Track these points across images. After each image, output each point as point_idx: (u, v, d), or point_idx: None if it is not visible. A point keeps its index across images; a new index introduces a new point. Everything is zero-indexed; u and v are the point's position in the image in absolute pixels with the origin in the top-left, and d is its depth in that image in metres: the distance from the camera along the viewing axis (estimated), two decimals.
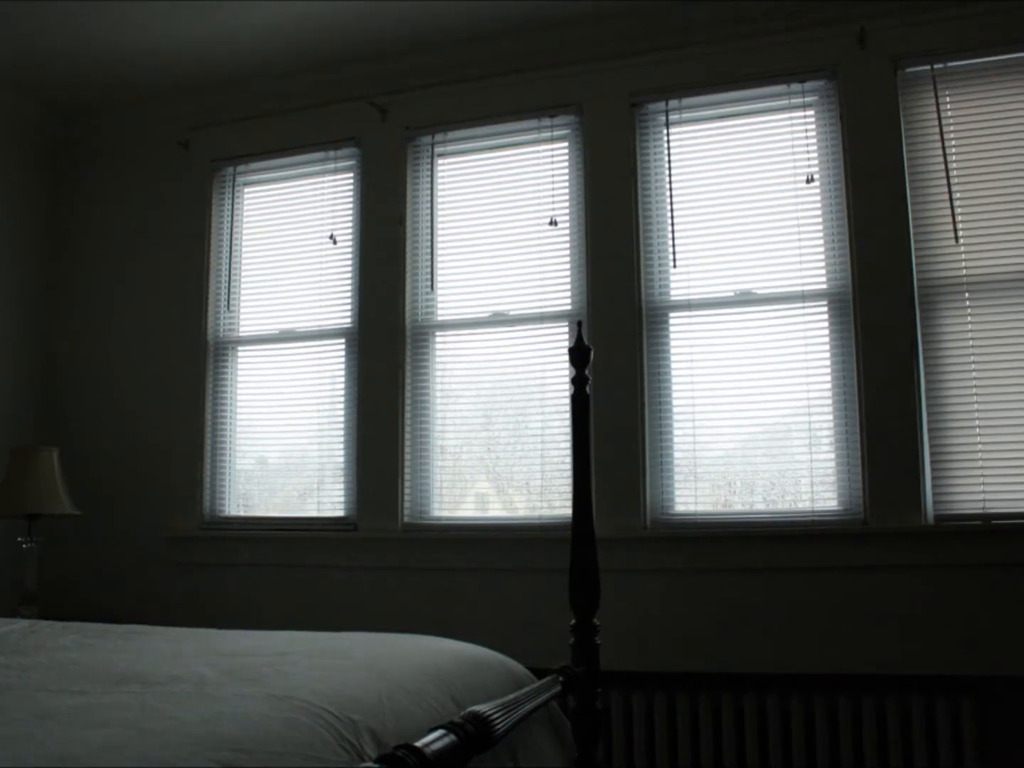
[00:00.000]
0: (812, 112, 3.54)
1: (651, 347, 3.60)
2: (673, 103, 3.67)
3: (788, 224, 3.51)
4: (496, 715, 1.59)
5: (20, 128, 4.37)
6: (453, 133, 3.96)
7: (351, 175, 4.12)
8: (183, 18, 3.66)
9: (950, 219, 3.30)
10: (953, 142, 3.35)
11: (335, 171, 4.14)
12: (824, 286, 3.45)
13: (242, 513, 4.13)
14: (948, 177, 3.31)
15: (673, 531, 3.46)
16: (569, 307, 3.73)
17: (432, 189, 3.98)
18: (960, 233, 3.30)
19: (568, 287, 3.75)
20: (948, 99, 3.38)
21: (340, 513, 3.93)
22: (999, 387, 3.23)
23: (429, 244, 3.95)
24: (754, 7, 3.53)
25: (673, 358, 3.59)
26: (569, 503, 2.56)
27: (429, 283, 3.93)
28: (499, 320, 3.83)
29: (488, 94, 3.88)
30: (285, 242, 4.19)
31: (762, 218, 3.54)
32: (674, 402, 3.56)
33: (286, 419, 4.08)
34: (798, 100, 3.54)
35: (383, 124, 4.02)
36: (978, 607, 3.09)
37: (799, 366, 3.43)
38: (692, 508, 3.51)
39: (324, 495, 3.98)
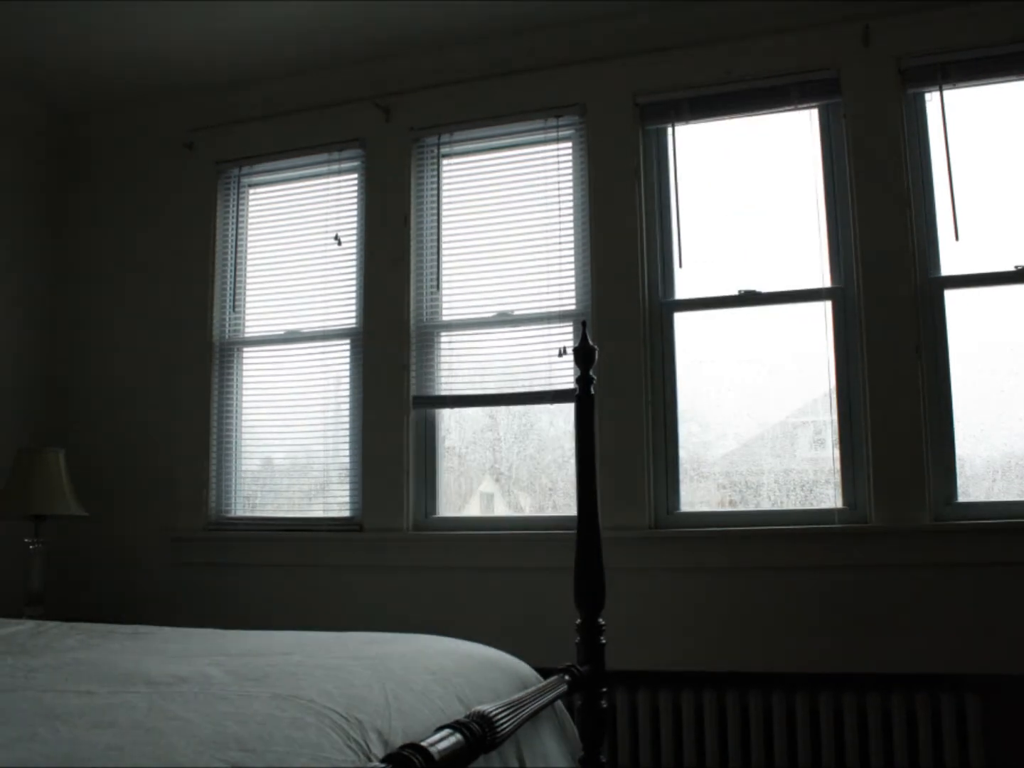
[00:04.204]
0: (816, 110, 3.53)
1: (655, 346, 3.60)
2: (678, 102, 3.66)
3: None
4: (502, 715, 1.59)
5: (24, 129, 4.37)
6: (458, 133, 3.95)
7: (355, 176, 4.12)
8: (187, 19, 3.66)
9: (953, 216, 3.29)
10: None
11: (340, 172, 4.14)
12: (829, 284, 3.44)
13: (248, 514, 4.13)
14: (950, 174, 3.31)
15: (678, 530, 3.45)
16: (574, 307, 3.73)
17: (438, 189, 3.98)
18: (964, 230, 3.29)
19: (573, 287, 3.74)
20: (952, 96, 3.36)
21: (346, 513, 3.93)
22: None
23: (434, 244, 3.95)
24: (757, 7, 3.52)
25: (678, 357, 3.58)
26: (574, 502, 2.56)
27: (434, 283, 3.93)
28: (504, 320, 3.83)
29: (492, 94, 3.88)
30: (290, 243, 4.19)
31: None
32: (679, 401, 3.56)
33: (291, 420, 4.09)
34: (800, 98, 3.52)
35: (387, 125, 4.02)
36: (984, 605, 3.09)
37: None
38: (697, 507, 3.51)
39: (330, 495, 3.99)
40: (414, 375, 3.87)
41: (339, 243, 4.04)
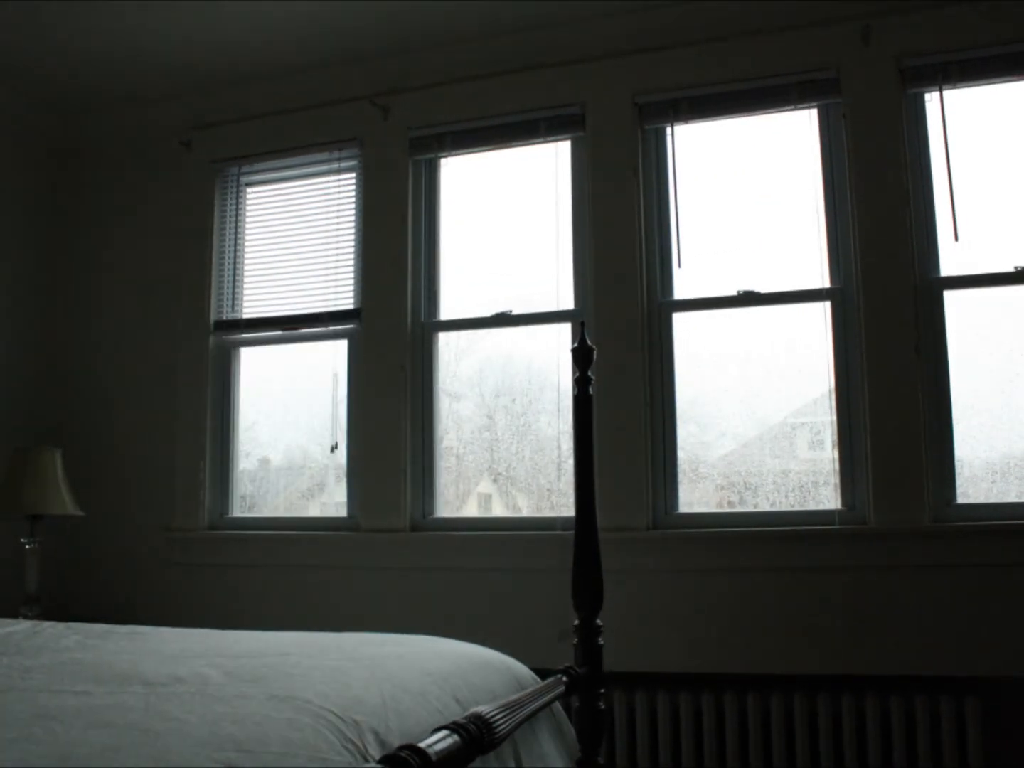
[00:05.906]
0: (816, 110, 3.53)
1: (654, 346, 3.59)
2: (677, 101, 3.65)
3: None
4: (499, 716, 1.58)
5: (21, 127, 4.36)
6: (456, 132, 3.94)
7: (353, 175, 4.11)
8: (185, 17, 3.65)
9: (953, 217, 3.29)
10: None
11: (338, 171, 4.13)
12: (828, 284, 3.43)
13: (245, 514, 4.12)
14: (950, 174, 3.30)
15: (676, 531, 3.44)
16: (572, 307, 3.72)
17: (436, 188, 3.98)
18: (963, 231, 3.28)
19: (572, 287, 3.74)
20: (952, 96, 3.36)
21: (343, 513, 3.92)
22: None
23: (433, 244, 3.94)
24: (757, 7, 3.52)
25: (676, 357, 3.58)
26: (572, 503, 2.55)
27: (432, 283, 3.92)
28: (503, 320, 3.83)
29: (491, 94, 3.87)
30: (288, 242, 4.18)
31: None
32: (677, 401, 3.55)
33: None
34: (799, 97, 3.51)
35: (385, 124, 4.01)
36: (983, 607, 3.08)
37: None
38: (695, 508, 3.50)
39: (327, 495, 3.98)
40: (411, 375, 3.86)
41: (335, 449, 3.98)
